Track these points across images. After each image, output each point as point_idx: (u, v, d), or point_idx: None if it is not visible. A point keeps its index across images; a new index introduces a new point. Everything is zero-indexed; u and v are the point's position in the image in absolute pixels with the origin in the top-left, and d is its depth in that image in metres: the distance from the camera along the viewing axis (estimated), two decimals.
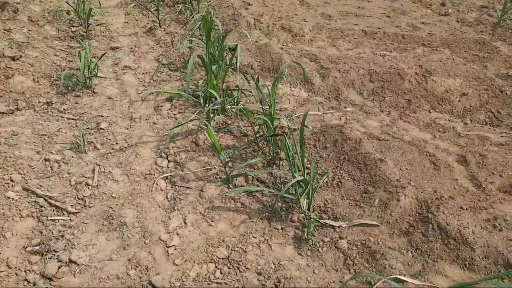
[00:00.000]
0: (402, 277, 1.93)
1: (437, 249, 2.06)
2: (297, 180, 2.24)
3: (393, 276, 1.95)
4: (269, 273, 2.02)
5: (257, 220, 2.32)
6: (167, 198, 2.45)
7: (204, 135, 2.88)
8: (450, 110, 3.26)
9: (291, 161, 2.26)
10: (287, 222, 2.32)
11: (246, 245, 2.16)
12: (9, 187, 2.36)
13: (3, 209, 2.22)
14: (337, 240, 2.18)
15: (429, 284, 1.92)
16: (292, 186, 2.44)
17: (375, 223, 2.22)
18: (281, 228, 2.29)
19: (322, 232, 2.24)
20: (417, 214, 2.23)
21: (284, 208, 2.40)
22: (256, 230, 2.26)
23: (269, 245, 2.19)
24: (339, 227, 2.24)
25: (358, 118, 3.15)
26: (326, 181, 2.51)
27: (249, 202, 2.43)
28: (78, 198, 2.39)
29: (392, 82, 3.51)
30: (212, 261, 2.08)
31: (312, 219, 2.25)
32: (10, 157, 2.56)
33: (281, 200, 2.43)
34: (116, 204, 2.37)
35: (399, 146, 2.75)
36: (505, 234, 2.08)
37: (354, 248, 2.13)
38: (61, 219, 2.25)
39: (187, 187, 2.52)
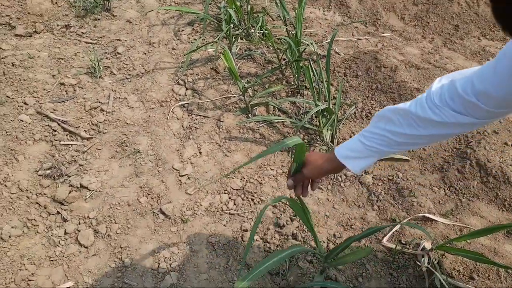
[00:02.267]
0: (431, 216, 1.76)
1: (473, 187, 1.84)
2: (320, 110, 2.04)
3: (421, 215, 1.78)
4: (285, 206, 1.90)
5: (276, 153, 2.17)
6: (182, 126, 2.32)
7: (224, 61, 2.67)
8: (502, 38, 2.86)
9: (314, 89, 2.04)
10: None
11: (263, 177, 2.03)
12: (22, 110, 2.30)
13: (15, 132, 2.17)
14: (362, 174, 2.00)
15: (461, 224, 1.73)
16: (316, 116, 2.24)
17: (405, 157, 2.02)
18: None
19: None
20: (454, 149, 1.99)
21: (306, 140, 2.22)
22: (274, 162, 2.12)
23: (287, 178, 2.04)
24: None
25: (397, 45, 2.82)
26: (354, 112, 2.29)
27: (268, 133, 2.27)
28: (92, 124, 2.31)
29: (439, 5, 3.10)
30: (226, 191, 1.97)
31: None
32: (24, 80, 2.48)
33: (304, 131, 2.25)
34: (131, 131, 2.27)
35: (440, 76, 2.44)
36: None
37: (380, 184, 1.95)
38: (74, 144, 2.18)
39: (204, 116, 2.37)
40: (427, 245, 1.58)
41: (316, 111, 2.01)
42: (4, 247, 1.69)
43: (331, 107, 2.10)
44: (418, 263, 1.59)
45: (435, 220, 1.75)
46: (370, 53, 2.56)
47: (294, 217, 1.84)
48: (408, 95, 2.23)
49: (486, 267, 1.58)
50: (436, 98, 0.90)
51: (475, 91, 0.84)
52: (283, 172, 2.06)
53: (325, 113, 2.12)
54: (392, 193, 1.90)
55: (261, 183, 2.00)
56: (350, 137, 2.15)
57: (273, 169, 2.07)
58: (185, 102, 2.46)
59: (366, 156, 1.05)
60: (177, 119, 2.37)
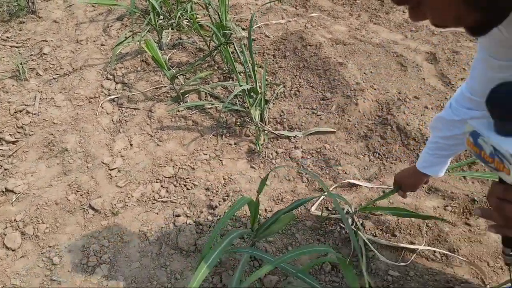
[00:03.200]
0: (355, 181, 1.81)
1: (396, 151, 1.92)
2: (247, 91, 2.06)
3: (346, 181, 1.83)
4: (217, 188, 1.91)
5: (209, 137, 2.17)
6: (112, 121, 2.28)
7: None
8: None
9: (236, 71, 2.06)
10: (241, 137, 2.17)
11: (195, 162, 2.03)
12: None
13: None
14: (292, 150, 2.04)
15: (384, 186, 1.80)
16: (243, 97, 2.26)
17: (331, 129, 2.07)
18: (235, 143, 2.14)
19: (277, 143, 2.10)
20: (377, 117, 2.07)
21: (238, 123, 2.24)
22: (207, 147, 2.12)
23: (220, 160, 2.06)
24: (294, 137, 2.09)
25: (325, 24, 2.88)
26: (284, 91, 2.32)
27: (201, 120, 2.26)
28: (18, 127, 2.23)
29: None
30: (158, 180, 1.96)
31: (265, 131, 2.10)
32: None
33: (236, 114, 2.26)
34: (58, 130, 2.21)
35: (365, 49, 2.52)
36: None
37: (308, 157, 2.00)
38: None
39: (134, 108, 2.34)
40: (351, 209, 1.64)
41: (243, 93, 2.02)
42: None
43: (258, 88, 2.12)
44: (343, 226, 1.64)
45: (359, 185, 1.81)
46: (297, 33, 2.60)
47: (226, 198, 1.85)
48: (332, 69, 2.29)
49: (407, 223, 1.65)
50: (453, 102, 1.09)
51: (468, 89, 1.02)
52: (216, 156, 2.07)
53: (252, 94, 2.14)
54: (320, 165, 1.95)
55: (193, 169, 2.00)
56: (280, 116, 2.19)
57: (206, 154, 2.08)
58: (114, 96, 2.41)
59: (437, 162, 1.24)
60: (107, 114, 2.33)
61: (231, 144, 2.14)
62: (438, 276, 1.50)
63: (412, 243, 1.59)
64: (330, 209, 1.75)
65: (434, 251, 1.57)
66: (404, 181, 1.40)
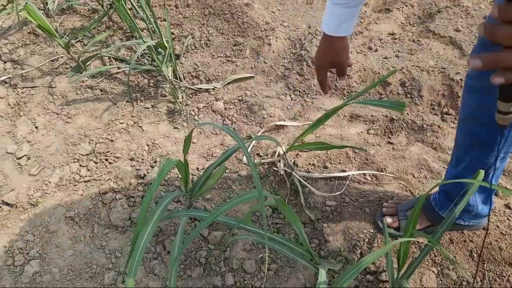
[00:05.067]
0: (281, 123, 1.81)
1: (314, 86, 1.93)
2: (153, 47, 1.92)
3: (272, 124, 1.82)
4: (143, 156, 1.80)
5: (123, 105, 2.02)
6: (9, 105, 2.03)
7: None
8: None
9: (138, 28, 1.89)
10: (157, 98, 2.05)
11: (113, 133, 1.89)
12: None
13: None
14: (213, 102, 1.97)
15: (309, 122, 1.82)
16: (152, 56, 2.11)
17: (249, 75, 2.02)
18: (152, 106, 2.02)
19: (197, 98, 2.01)
20: (291, 55, 2.04)
21: (152, 84, 2.10)
22: (123, 115, 1.98)
23: (140, 127, 1.93)
24: (213, 89, 2.01)
25: None
26: (193, 43, 2.20)
27: (110, 87, 2.09)
28: None
29: None
30: (75, 160, 1.80)
31: (182, 87, 2.00)
32: None
33: (147, 75, 2.11)
34: None
35: None
36: (380, 53, 1.98)
37: (231, 107, 1.94)
38: None
39: (32, 87, 2.10)
40: (281, 150, 1.63)
41: (150, 50, 1.88)
42: None
43: (164, 43, 1.98)
44: (275, 169, 1.64)
45: (285, 125, 1.81)
46: None
47: (154, 164, 1.76)
48: (239, 12, 2.20)
49: (336, 154, 1.69)
50: None
51: None
52: (134, 123, 1.94)
53: (160, 50, 2.00)
54: (244, 112, 1.91)
55: (112, 141, 1.86)
56: (195, 69, 2.09)
57: (123, 122, 1.94)
58: (5, 77, 2.13)
59: (348, 15, 1.06)
60: (1, 98, 2.06)
61: (148, 108, 2.01)
62: (372, 196, 1.57)
63: (343, 171, 1.64)
64: (261, 155, 1.74)
65: (364, 174, 1.64)
66: (323, 60, 1.18)
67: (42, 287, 1.42)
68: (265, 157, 1.71)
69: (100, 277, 1.45)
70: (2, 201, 1.66)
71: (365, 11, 2.24)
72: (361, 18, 2.20)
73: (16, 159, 1.81)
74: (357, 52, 2.00)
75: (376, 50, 1.99)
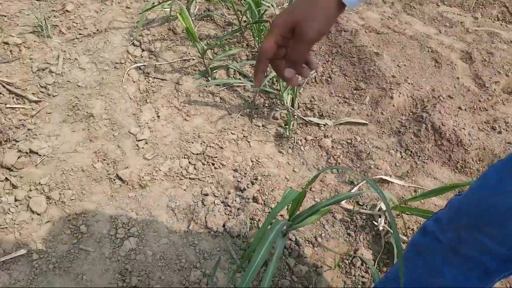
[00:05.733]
0: (387, 178, 1.81)
1: (428, 150, 1.91)
2: None
3: (378, 177, 1.82)
4: (246, 170, 1.89)
5: (237, 117, 2.14)
6: (139, 89, 2.23)
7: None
8: (460, 4, 2.92)
9: None
10: (269, 119, 2.14)
11: (223, 141, 2.00)
12: None
13: None
14: (321, 138, 2.02)
15: (416, 185, 1.80)
16: (276, 80, 2.22)
17: (364, 121, 2.05)
18: (262, 126, 2.11)
19: (306, 130, 2.07)
20: (411, 113, 2.04)
21: (266, 105, 2.20)
22: (235, 127, 2.09)
23: (248, 142, 2.03)
24: (324, 125, 2.07)
25: (357, 9, 2.81)
26: (315, 76, 2.28)
27: (229, 98, 2.22)
28: (41, 86, 2.16)
29: None
30: (186, 156, 1.93)
31: (295, 116, 2.07)
32: None
33: (264, 95, 2.22)
34: (83, 94, 2.15)
35: (399, 41, 2.47)
36: (504, 137, 1.92)
37: (338, 147, 1.98)
38: (22, 108, 2.04)
39: (161, 79, 2.29)
40: (383, 206, 1.64)
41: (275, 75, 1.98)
42: None
43: None
44: (375, 223, 1.64)
45: (391, 181, 1.80)
46: None
47: (254, 181, 1.83)
48: (368, 59, 2.25)
49: None
50: None
51: None
52: (243, 136, 2.04)
53: None
54: (351, 156, 1.94)
55: (222, 148, 1.97)
56: (311, 101, 2.15)
57: (234, 134, 2.05)
58: (141, 64, 2.35)
59: None
60: (133, 81, 2.27)
61: (259, 126, 2.11)
62: None
63: None
64: (361, 204, 1.75)
65: None
66: (284, 17, 0.72)
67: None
68: (364, 207, 1.72)
69: (187, 272, 1.53)
70: (117, 175, 1.82)
71: (495, 89, 2.19)
72: (489, 95, 2.15)
73: (136, 140, 1.97)
74: (479, 129, 1.95)
75: (500, 132, 1.94)
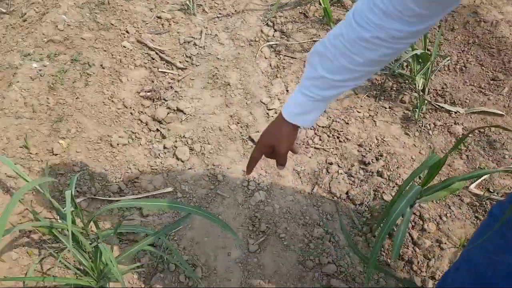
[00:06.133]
0: None
1: None
2: (415, 56, 2.02)
3: None
4: (370, 146, 1.93)
5: (363, 97, 2.18)
6: (270, 65, 2.39)
7: (315, 6, 2.68)
8: None
9: None
10: (396, 102, 2.15)
11: (349, 117, 2.07)
12: (124, 37, 2.46)
13: (119, 56, 2.34)
14: (451, 125, 1.98)
15: None
16: (407, 65, 2.22)
17: (500, 112, 1.96)
18: (389, 107, 2.13)
19: (435, 115, 2.05)
20: None
21: (394, 88, 2.21)
22: (361, 106, 2.14)
23: (374, 121, 2.07)
24: (455, 112, 2.02)
25: (496, 3, 2.67)
26: (448, 65, 2.23)
27: None
28: (186, 56, 2.43)
29: None
30: (312, 128, 2.03)
31: (425, 101, 2.06)
32: (126, 10, 2.64)
33: (392, 79, 2.23)
34: (221, 65, 2.37)
35: None
36: None
37: (470, 135, 1.92)
38: (170, 73, 2.32)
39: (291, 57, 2.42)
40: None
41: (411, 57, 1.99)
42: (113, 152, 1.88)
43: (427, 54, 2.06)
44: None
45: None
46: (470, 7, 2.45)
47: (379, 157, 1.87)
48: (508, 50, 2.14)
49: None
50: (356, 15, 0.81)
51: None
52: (369, 115, 2.08)
53: (419, 60, 2.09)
54: (483, 145, 1.88)
55: (347, 123, 2.04)
56: (443, 88, 2.12)
57: (360, 112, 2.10)
58: (273, 43, 2.51)
59: (312, 108, 0.94)
60: (265, 58, 2.44)
61: (385, 108, 2.13)
62: None
63: None
64: (492, 191, 1.69)
65: None
66: (267, 141, 1.03)
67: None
68: (495, 194, 1.66)
69: (310, 228, 1.63)
70: (249, 136, 1.99)
71: None
72: None
73: (267, 109, 2.13)
74: None
75: None
